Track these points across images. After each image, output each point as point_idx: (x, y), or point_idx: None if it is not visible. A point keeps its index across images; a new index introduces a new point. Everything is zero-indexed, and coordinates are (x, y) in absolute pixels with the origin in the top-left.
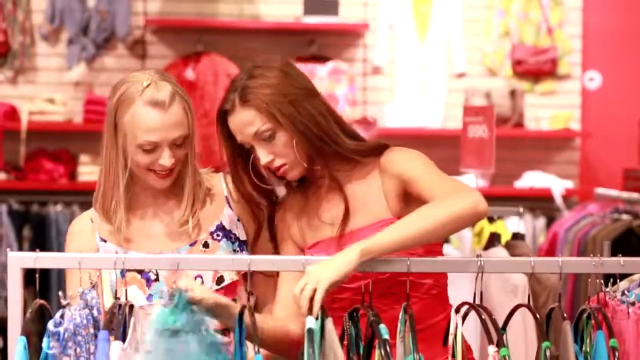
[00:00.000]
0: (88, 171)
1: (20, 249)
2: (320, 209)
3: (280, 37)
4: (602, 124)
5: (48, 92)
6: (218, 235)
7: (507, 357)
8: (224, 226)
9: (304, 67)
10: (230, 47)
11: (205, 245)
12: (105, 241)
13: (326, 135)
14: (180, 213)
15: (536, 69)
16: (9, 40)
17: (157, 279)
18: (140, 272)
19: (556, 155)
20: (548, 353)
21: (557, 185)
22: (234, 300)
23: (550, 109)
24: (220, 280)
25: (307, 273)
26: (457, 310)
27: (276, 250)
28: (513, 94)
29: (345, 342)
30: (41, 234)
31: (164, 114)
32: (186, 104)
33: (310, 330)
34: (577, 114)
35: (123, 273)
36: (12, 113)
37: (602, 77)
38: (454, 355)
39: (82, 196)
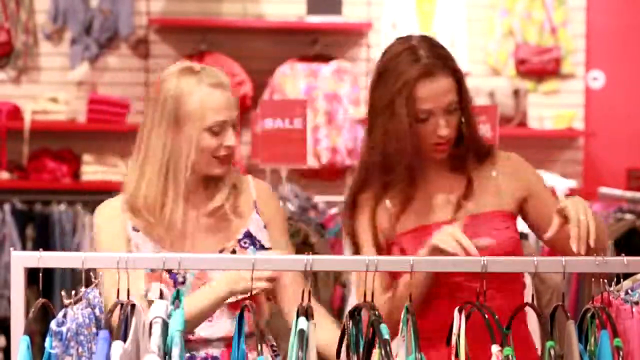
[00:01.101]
0: (91, 170)
1: (24, 248)
2: (430, 195)
3: (284, 36)
4: (606, 123)
5: (51, 91)
6: (245, 243)
7: (510, 357)
8: (251, 233)
9: (307, 67)
10: (233, 47)
11: (233, 252)
12: (137, 231)
13: (476, 123)
14: (218, 199)
15: (540, 69)
16: (12, 40)
17: (183, 282)
18: (169, 272)
19: (559, 155)
20: (552, 352)
21: (560, 184)
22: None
23: (553, 109)
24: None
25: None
26: (461, 310)
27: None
28: (516, 93)
29: (346, 342)
30: (44, 234)
31: (227, 93)
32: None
33: (301, 331)
34: (580, 114)
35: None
36: (15, 112)
37: (605, 77)
38: (457, 355)
39: (86, 195)
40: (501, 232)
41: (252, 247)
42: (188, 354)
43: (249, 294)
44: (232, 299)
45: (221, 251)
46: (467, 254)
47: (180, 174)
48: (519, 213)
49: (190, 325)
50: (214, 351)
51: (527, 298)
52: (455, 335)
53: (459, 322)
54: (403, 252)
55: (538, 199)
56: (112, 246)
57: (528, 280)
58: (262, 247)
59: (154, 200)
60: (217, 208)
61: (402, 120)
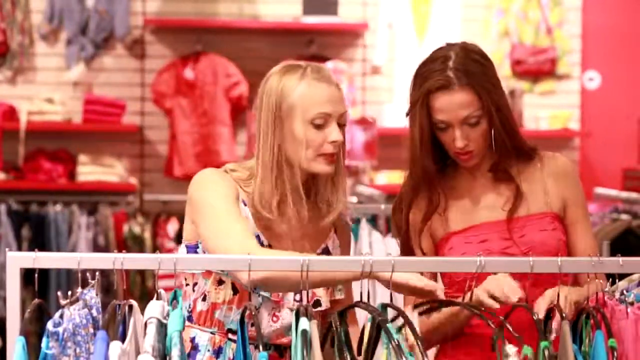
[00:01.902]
0: (87, 171)
1: (19, 248)
2: (478, 196)
3: (280, 37)
4: (602, 123)
5: (47, 92)
6: None
7: (528, 356)
8: (329, 250)
9: None
10: (229, 47)
11: None
12: (245, 204)
13: (512, 129)
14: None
15: (535, 69)
16: (7, 41)
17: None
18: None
19: None
20: (547, 353)
21: None
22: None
23: (549, 109)
24: (316, 303)
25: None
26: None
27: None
28: (512, 93)
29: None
30: (40, 234)
31: (332, 87)
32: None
33: (304, 332)
34: (576, 114)
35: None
36: (11, 113)
37: (601, 77)
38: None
39: (81, 196)
40: (548, 233)
41: None
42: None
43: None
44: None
45: None
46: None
47: (293, 168)
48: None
49: (281, 286)
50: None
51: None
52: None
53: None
54: (451, 251)
55: (570, 210)
56: (227, 200)
57: None
58: None
59: (270, 196)
60: (331, 220)
61: (417, 125)
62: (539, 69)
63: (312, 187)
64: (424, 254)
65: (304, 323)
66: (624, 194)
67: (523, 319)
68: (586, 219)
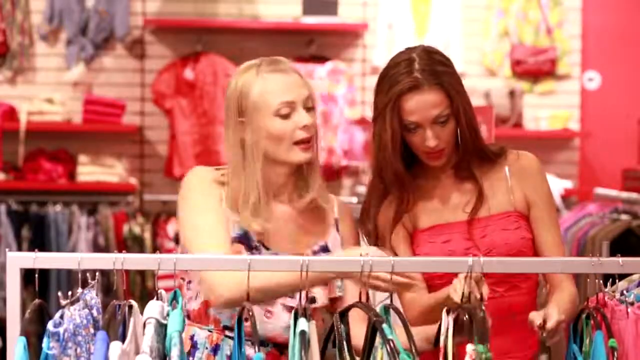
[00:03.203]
0: (87, 171)
1: (19, 249)
2: (442, 196)
3: (280, 37)
4: (602, 124)
5: (47, 92)
6: (320, 255)
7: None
8: (328, 248)
9: (303, 68)
10: (229, 47)
11: None
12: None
13: (476, 130)
14: (309, 195)
15: (535, 69)
16: (7, 41)
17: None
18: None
19: (555, 156)
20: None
21: (556, 185)
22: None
23: (549, 109)
24: (311, 300)
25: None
26: (448, 312)
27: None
28: (512, 94)
29: (337, 342)
30: (40, 234)
31: (289, 75)
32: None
33: (303, 333)
34: (576, 114)
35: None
36: (11, 113)
37: (601, 77)
38: (445, 357)
39: (81, 196)
40: (511, 232)
41: None
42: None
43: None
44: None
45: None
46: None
47: (276, 164)
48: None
49: (263, 295)
50: (263, 349)
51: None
52: (442, 335)
53: (447, 323)
54: (417, 249)
55: (535, 209)
56: (206, 212)
57: None
58: None
59: (245, 196)
60: (310, 202)
61: (388, 129)
62: (539, 69)
63: (298, 182)
64: (396, 255)
65: (302, 324)
66: (624, 194)
67: (495, 312)
68: (551, 215)
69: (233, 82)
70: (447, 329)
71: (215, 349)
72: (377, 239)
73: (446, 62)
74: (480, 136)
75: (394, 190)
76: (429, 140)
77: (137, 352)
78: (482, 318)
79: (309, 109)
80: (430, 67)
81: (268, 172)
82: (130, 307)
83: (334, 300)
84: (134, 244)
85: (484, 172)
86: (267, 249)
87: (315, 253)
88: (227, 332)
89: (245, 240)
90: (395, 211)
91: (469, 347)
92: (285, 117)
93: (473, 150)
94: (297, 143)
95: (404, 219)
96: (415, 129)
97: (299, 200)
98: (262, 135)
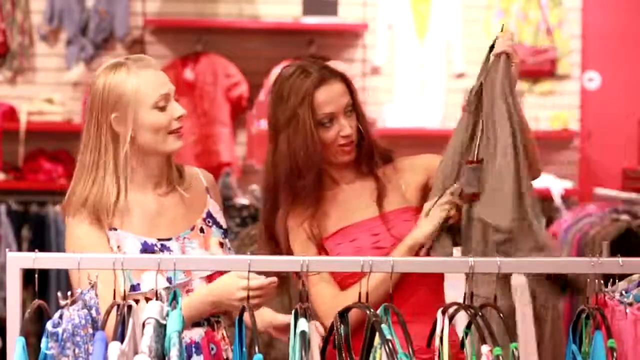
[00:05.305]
0: None
1: (19, 249)
2: (346, 200)
3: (280, 37)
4: (602, 124)
5: (47, 92)
6: (209, 222)
7: (500, 357)
8: (211, 213)
9: None
10: (229, 48)
11: (201, 230)
12: (115, 229)
13: (370, 128)
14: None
15: (535, 69)
16: (7, 41)
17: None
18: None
19: (555, 156)
20: (516, 354)
21: (556, 185)
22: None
23: (549, 109)
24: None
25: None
26: (445, 311)
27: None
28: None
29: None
30: (40, 234)
31: (157, 70)
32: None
33: (303, 333)
34: (576, 114)
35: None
36: (11, 113)
37: (601, 78)
38: (440, 357)
39: None
40: (413, 223)
41: (215, 226)
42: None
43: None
44: (206, 273)
45: (192, 228)
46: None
47: (151, 156)
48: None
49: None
50: (195, 336)
51: (520, 297)
52: (437, 336)
53: (442, 324)
54: (326, 254)
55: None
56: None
57: (523, 281)
58: (221, 227)
59: (107, 196)
60: (170, 190)
61: (307, 128)
62: (539, 70)
63: (170, 170)
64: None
65: (302, 324)
66: (624, 195)
67: (421, 301)
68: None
69: (100, 81)
70: (442, 329)
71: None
72: (284, 241)
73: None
74: (373, 133)
75: (310, 193)
76: (345, 128)
77: (135, 353)
78: (498, 319)
79: (177, 100)
80: (324, 66)
81: (145, 164)
82: (130, 307)
83: None
84: None
85: (381, 171)
86: (168, 239)
87: (204, 220)
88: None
89: (149, 248)
90: (306, 217)
91: (484, 348)
92: (162, 109)
93: (371, 148)
94: (171, 132)
95: (312, 226)
96: (330, 123)
97: (177, 186)
98: (142, 127)
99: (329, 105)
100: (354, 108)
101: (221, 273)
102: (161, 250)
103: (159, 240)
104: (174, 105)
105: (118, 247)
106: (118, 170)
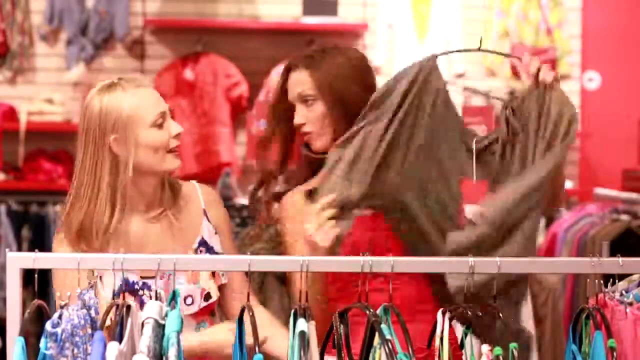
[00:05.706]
0: None
1: (19, 249)
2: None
3: (280, 37)
4: (602, 124)
5: (47, 92)
6: (201, 252)
7: (500, 357)
8: (205, 241)
9: None
10: (229, 48)
11: None
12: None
13: (354, 116)
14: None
15: None
16: (7, 41)
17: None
18: (133, 293)
19: None
20: (516, 354)
21: None
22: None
23: None
24: (207, 296)
25: None
26: (444, 313)
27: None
28: (512, 94)
29: (336, 342)
30: (40, 235)
31: (150, 89)
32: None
33: (302, 333)
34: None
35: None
36: (11, 113)
37: (601, 78)
38: (440, 357)
39: None
40: None
41: (207, 254)
42: None
43: None
44: (193, 309)
45: None
46: None
47: (148, 175)
48: None
49: None
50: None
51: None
52: (438, 337)
53: (442, 325)
54: None
55: None
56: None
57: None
58: (216, 254)
59: (101, 218)
60: (160, 213)
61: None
62: None
63: (163, 191)
64: None
65: (301, 324)
66: (624, 195)
67: (411, 296)
68: None
69: (95, 102)
70: (442, 330)
71: None
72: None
73: (340, 59)
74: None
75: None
76: (295, 117)
77: (134, 353)
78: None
79: (172, 118)
80: (309, 55)
81: (139, 184)
82: (129, 307)
83: (220, 288)
84: None
85: None
86: (152, 278)
87: (196, 250)
88: None
89: (129, 286)
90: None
91: (484, 348)
92: (160, 127)
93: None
94: (170, 151)
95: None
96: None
97: (167, 211)
98: (141, 147)
99: (290, 92)
100: (320, 98)
101: (209, 308)
102: (141, 289)
103: (142, 278)
104: (171, 122)
105: (100, 277)
106: (116, 193)
